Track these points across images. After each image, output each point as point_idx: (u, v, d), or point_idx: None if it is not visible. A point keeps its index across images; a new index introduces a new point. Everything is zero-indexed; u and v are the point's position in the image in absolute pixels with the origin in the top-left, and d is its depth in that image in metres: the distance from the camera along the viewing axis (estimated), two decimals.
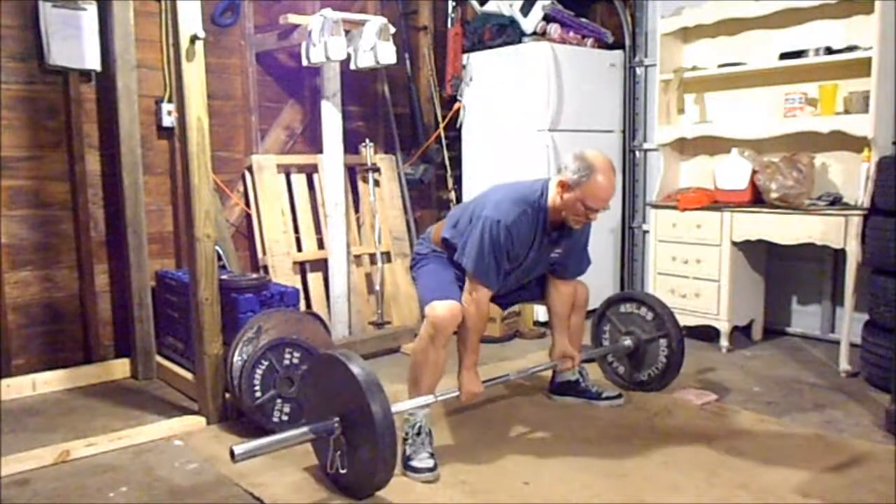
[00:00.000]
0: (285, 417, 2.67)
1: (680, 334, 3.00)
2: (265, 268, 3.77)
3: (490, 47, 4.35)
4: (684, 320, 3.81)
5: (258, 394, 2.63)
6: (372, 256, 4.10)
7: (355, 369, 2.09)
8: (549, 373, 3.07)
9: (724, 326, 3.69)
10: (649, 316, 3.04)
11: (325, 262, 3.90)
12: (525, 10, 4.15)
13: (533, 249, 2.54)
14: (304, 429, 2.15)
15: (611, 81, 4.49)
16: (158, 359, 3.41)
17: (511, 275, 2.58)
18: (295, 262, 3.87)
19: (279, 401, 2.67)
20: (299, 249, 3.94)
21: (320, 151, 3.86)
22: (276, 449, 2.16)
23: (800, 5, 3.51)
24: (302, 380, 2.50)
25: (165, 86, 3.55)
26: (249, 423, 2.70)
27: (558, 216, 2.51)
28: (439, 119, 4.52)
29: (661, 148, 4.12)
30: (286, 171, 3.98)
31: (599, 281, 4.39)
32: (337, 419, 2.13)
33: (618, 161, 4.57)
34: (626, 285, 4.65)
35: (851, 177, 3.46)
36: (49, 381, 3.22)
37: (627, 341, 3.05)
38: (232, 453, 2.02)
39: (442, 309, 2.41)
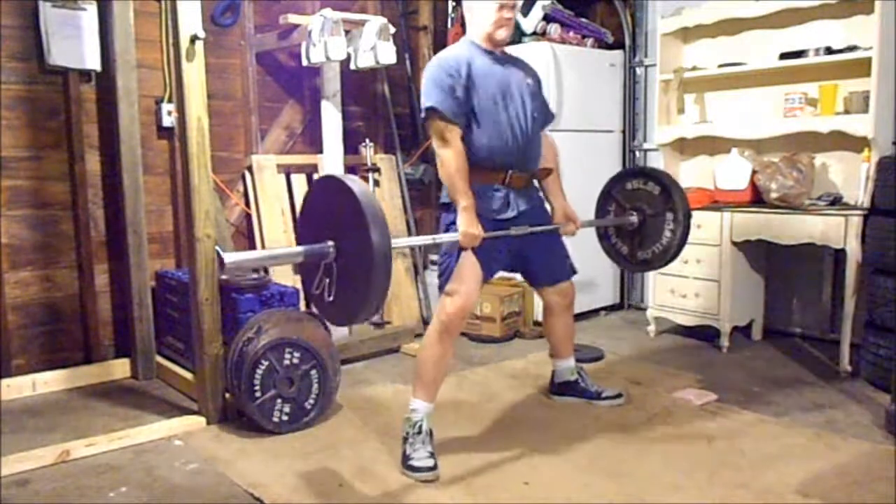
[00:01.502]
0: (285, 417, 2.68)
1: (687, 207, 2.84)
2: (265, 268, 3.76)
3: None
4: (684, 320, 3.83)
5: (258, 394, 2.63)
6: None
7: (357, 192, 1.95)
8: (549, 373, 3.07)
9: (724, 326, 3.69)
10: (656, 190, 2.88)
11: None
12: (525, 10, 4.14)
13: (498, 79, 2.51)
14: (298, 248, 2.06)
15: (611, 81, 4.49)
16: (158, 359, 3.41)
17: (507, 121, 2.50)
18: (295, 263, 3.86)
19: (279, 401, 2.67)
20: None
21: (320, 151, 3.86)
22: (267, 264, 2.09)
23: (800, 5, 3.51)
24: (302, 206, 2.32)
25: (165, 86, 3.55)
26: (249, 423, 2.70)
27: (490, 40, 2.54)
28: None
29: (661, 148, 4.13)
30: (286, 171, 3.98)
31: (600, 281, 4.41)
32: (331, 243, 2.02)
33: (618, 161, 4.58)
34: (626, 285, 4.66)
35: (851, 177, 3.46)
36: (49, 381, 3.22)
37: (633, 217, 2.90)
38: (222, 261, 1.95)
39: (454, 307, 2.43)
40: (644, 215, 2.89)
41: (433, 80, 2.43)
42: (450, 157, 2.41)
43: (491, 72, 2.51)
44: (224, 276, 3.01)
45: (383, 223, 1.91)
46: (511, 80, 2.56)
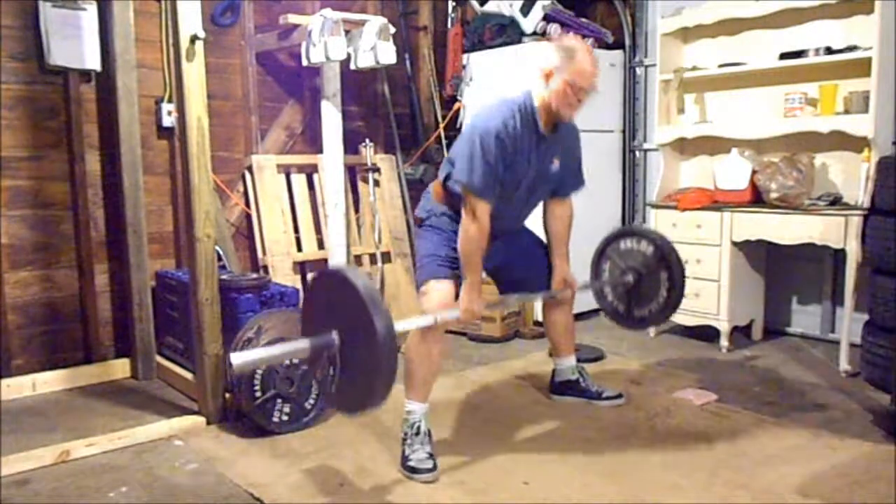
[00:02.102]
0: (285, 417, 2.67)
1: (681, 266, 2.88)
2: (265, 268, 3.77)
3: (490, 47, 4.35)
4: (684, 320, 3.82)
5: (258, 394, 2.63)
6: (372, 256, 4.10)
7: (358, 283, 1.98)
8: (549, 373, 3.07)
9: (724, 326, 3.69)
10: (650, 250, 2.91)
11: (325, 262, 3.90)
12: (525, 10, 4.15)
13: (532, 159, 2.48)
14: (303, 342, 2.06)
15: (611, 81, 4.49)
16: (158, 359, 3.41)
17: (515, 194, 2.52)
18: (295, 263, 3.87)
19: (279, 401, 2.67)
20: (299, 249, 3.94)
21: (320, 151, 3.86)
22: (274, 361, 2.09)
23: (800, 5, 3.51)
24: (304, 298, 2.37)
25: (165, 86, 3.55)
26: (249, 423, 2.69)
27: (549, 113, 2.46)
28: (439, 119, 4.53)
29: (661, 148, 4.12)
30: (286, 171, 3.98)
31: None
32: (336, 333, 2.04)
33: (618, 161, 4.58)
34: None
35: (851, 177, 3.46)
36: (49, 381, 3.22)
37: (628, 276, 2.93)
38: (229, 363, 1.95)
39: (433, 302, 2.41)
40: (639, 275, 2.93)
41: (479, 155, 2.35)
42: (475, 234, 2.40)
43: (528, 153, 2.47)
44: (224, 276, 3.01)
45: (386, 311, 1.95)
46: (544, 159, 2.54)
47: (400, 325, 2.18)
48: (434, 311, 2.38)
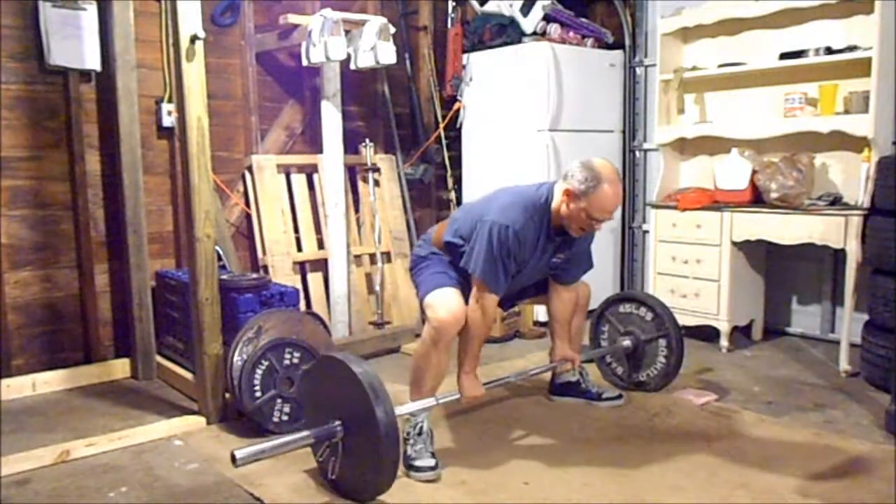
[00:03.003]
0: (285, 418, 2.67)
1: (679, 334, 3.00)
2: (265, 268, 3.77)
3: (490, 47, 4.35)
4: (684, 320, 3.81)
5: (258, 394, 2.63)
6: (372, 256, 4.10)
7: (358, 371, 2.07)
8: (549, 373, 3.07)
9: (724, 326, 3.69)
10: (648, 316, 3.04)
11: (325, 262, 3.90)
12: (525, 10, 4.15)
13: (537, 254, 2.52)
14: (306, 433, 2.13)
15: (611, 81, 4.49)
16: (158, 359, 3.41)
17: (514, 279, 2.55)
18: (295, 262, 3.87)
19: (279, 401, 2.67)
20: (299, 249, 3.94)
21: (320, 151, 3.86)
22: (278, 453, 2.15)
23: (800, 5, 3.51)
24: (302, 381, 2.48)
25: (165, 86, 3.55)
26: (249, 423, 2.69)
27: (561, 222, 2.49)
28: (439, 119, 4.52)
29: (661, 148, 4.12)
30: (286, 171, 3.98)
31: (599, 281, 4.38)
32: (339, 423, 2.12)
33: (618, 161, 4.58)
34: (626, 285, 4.65)
35: (851, 177, 3.46)
36: (49, 381, 3.22)
37: (626, 341, 3.05)
38: (233, 458, 2.00)
39: (444, 312, 2.40)
40: (637, 340, 3.03)
41: (497, 254, 2.37)
42: (479, 321, 2.43)
43: (535, 249, 2.50)
44: (224, 276, 3.01)
45: (387, 399, 2.01)
46: (549, 252, 2.56)
47: (401, 410, 2.26)
48: (447, 321, 2.39)
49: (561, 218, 2.46)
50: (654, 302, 3.09)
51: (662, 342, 3.00)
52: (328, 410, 2.17)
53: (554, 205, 2.47)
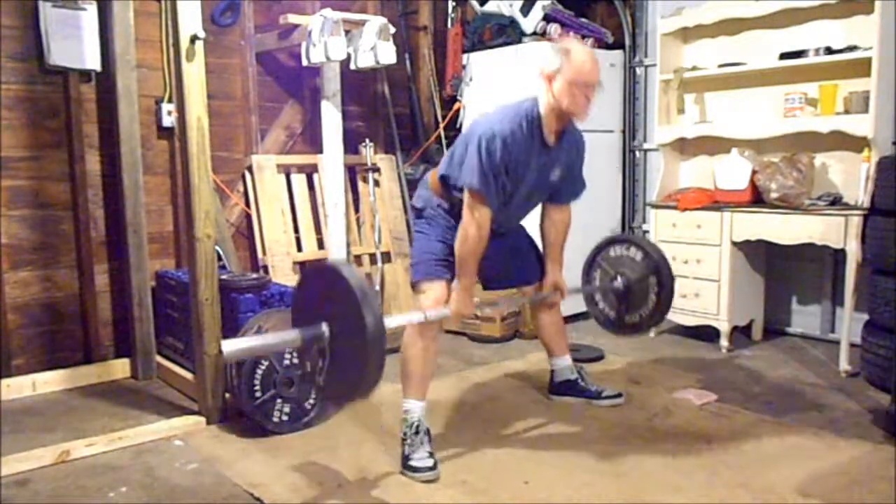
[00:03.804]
0: (285, 417, 2.68)
1: (669, 269, 2.90)
2: (265, 268, 3.77)
3: (490, 47, 4.35)
4: (684, 320, 3.82)
5: (258, 394, 2.63)
6: (372, 256, 4.11)
7: (348, 275, 1.99)
8: (548, 373, 3.07)
9: (724, 326, 3.69)
10: (639, 256, 2.94)
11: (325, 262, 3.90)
12: (525, 10, 4.15)
13: (532, 166, 2.48)
14: (294, 333, 2.08)
15: (611, 81, 4.48)
16: (158, 359, 3.41)
17: (512, 199, 2.51)
18: (295, 262, 3.87)
19: (279, 401, 2.67)
20: (299, 249, 3.94)
21: (320, 151, 3.86)
22: (265, 351, 2.12)
23: (800, 5, 3.51)
24: (294, 292, 2.38)
25: (165, 86, 3.55)
26: (249, 423, 2.69)
27: (558, 119, 2.45)
28: (439, 119, 4.53)
29: (661, 148, 4.12)
30: (286, 171, 3.98)
31: None
32: (326, 325, 2.05)
33: (618, 161, 4.58)
34: None
35: (851, 177, 3.46)
36: (49, 381, 3.22)
37: (618, 282, 2.96)
38: (221, 351, 1.96)
39: (430, 301, 2.41)
40: (629, 280, 2.95)
41: (486, 161, 2.34)
42: (474, 238, 2.39)
43: (530, 162, 2.46)
44: (224, 276, 3.02)
45: (377, 306, 1.96)
46: (546, 168, 2.53)
47: (390, 321, 2.17)
48: (432, 306, 2.39)
49: (554, 112, 2.43)
50: (644, 241, 3.02)
51: (653, 279, 2.89)
52: (317, 316, 2.09)
53: (542, 107, 2.44)
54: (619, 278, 2.96)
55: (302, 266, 3.92)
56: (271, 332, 2.13)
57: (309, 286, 2.22)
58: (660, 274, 2.88)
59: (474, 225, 2.38)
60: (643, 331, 3.00)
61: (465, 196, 2.40)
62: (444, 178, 2.53)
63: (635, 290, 2.95)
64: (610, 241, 3.07)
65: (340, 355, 2.04)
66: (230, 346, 2.01)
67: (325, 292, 2.08)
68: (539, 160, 2.49)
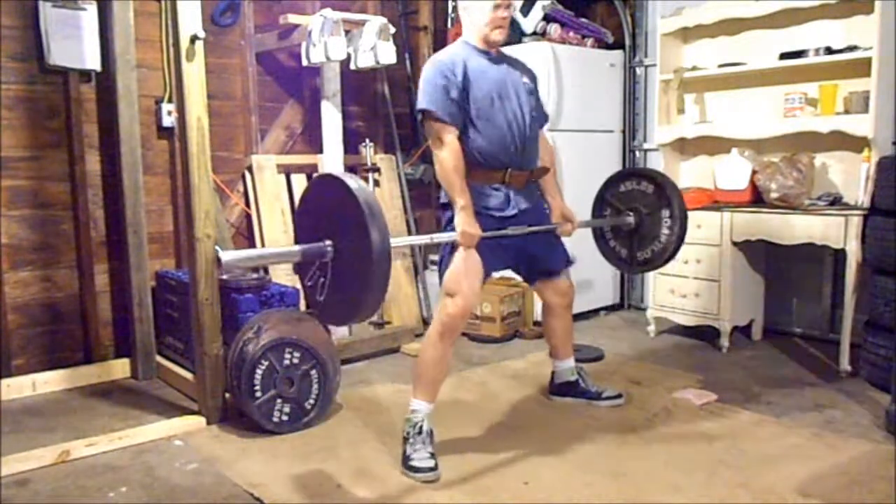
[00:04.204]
0: (285, 417, 2.68)
1: (682, 201, 2.84)
2: (265, 268, 3.77)
3: None
4: (684, 320, 3.83)
5: (258, 394, 2.63)
6: None
7: (354, 187, 1.93)
8: (548, 373, 3.07)
9: (724, 326, 3.69)
10: (650, 189, 2.87)
11: None
12: (525, 10, 4.15)
13: (495, 77, 2.52)
14: (296, 248, 2.03)
15: (611, 81, 4.49)
16: (158, 359, 3.41)
17: (502, 119, 2.50)
18: (295, 263, 3.86)
19: (279, 401, 2.67)
20: None
21: (320, 151, 3.86)
22: (265, 263, 2.07)
23: (800, 5, 3.51)
24: (297, 207, 2.31)
25: (165, 86, 3.55)
26: (249, 423, 2.70)
27: (485, 44, 2.54)
28: None
29: (661, 148, 4.12)
30: (286, 171, 3.98)
31: (600, 282, 4.41)
32: (330, 243, 2.00)
33: (618, 161, 4.58)
34: (626, 285, 4.66)
35: (851, 177, 3.46)
36: (49, 381, 3.22)
37: (629, 217, 2.89)
38: (219, 260, 1.93)
39: (455, 307, 2.41)
40: (640, 215, 2.88)
41: (428, 81, 2.44)
42: (447, 157, 2.41)
43: (486, 71, 2.51)
44: (224, 276, 3.02)
45: (383, 222, 1.89)
46: (507, 79, 2.57)
47: (396, 241, 2.10)
48: (459, 316, 2.41)
49: (482, 37, 2.53)
50: (655, 173, 2.94)
51: (665, 212, 2.83)
52: (321, 232, 2.04)
53: (467, 36, 2.57)
54: (629, 214, 2.90)
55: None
56: (271, 249, 2.03)
57: (314, 199, 2.15)
58: (672, 206, 2.81)
59: (444, 149, 2.42)
60: (655, 267, 2.94)
61: (428, 123, 2.45)
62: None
63: (647, 224, 2.88)
64: (619, 176, 3.01)
65: (343, 273, 1.97)
66: (229, 255, 1.97)
67: (330, 206, 2.02)
68: (498, 72, 2.55)
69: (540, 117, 2.75)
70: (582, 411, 2.90)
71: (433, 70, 2.45)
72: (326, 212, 2.04)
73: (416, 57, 4.53)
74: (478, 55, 2.54)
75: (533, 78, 2.73)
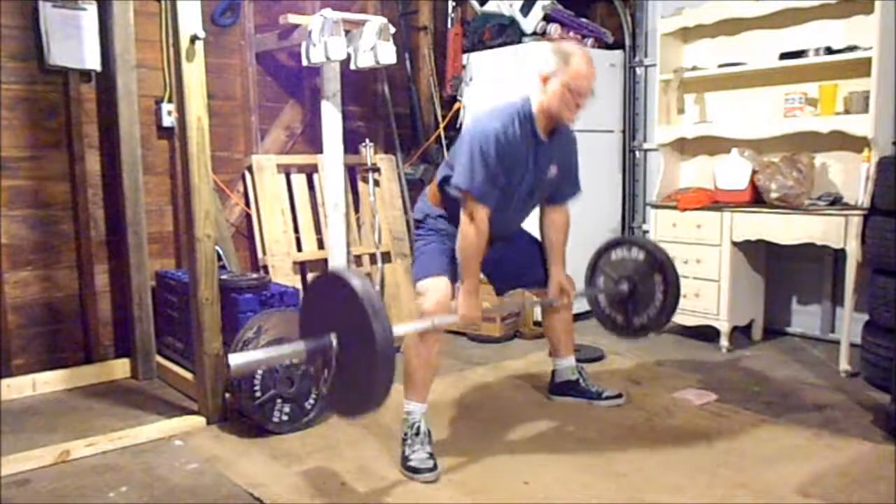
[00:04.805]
0: (285, 417, 2.67)
1: (673, 266, 2.86)
2: (265, 268, 3.77)
3: (490, 47, 4.35)
4: (684, 320, 3.82)
5: (258, 394, 2.63)
6: (372, 256, 4.10)
7: (357, 286, 1.97)
8: (548, 373, 3.07)
9: (724, 326, 3.69)
10: (641, 256, 2.90)
11: (325, 262, 3.90)
12: (525, 10, 4.15)
13: (530, 164, 2.48)
14: (300, 344, 2.07)
15: (611, 81, 4.49)
16: (158, 359, 3.41)
17: (513, 199, 2.51)
18: (295, 262, 3.87)
19: (279, 401, 2.67)
20: (299, 249, 3.94)
21: (320, 151, 3.86)
22: (272, 363, 2.09)
23: (800, 5, 3.51)
24: (301, 300, 2.38)
25: (165, 86, 3.55)
26: (249, 423, 2.70)
27: (548, 118, 2.46)
28: (439, 119, 4.52)
29: (661, 148, 4.12)
30: (286, 171, 3.98)
31: None
32: (333, 336, 2.03)
33: (618, 161, 4.58)
34: None
35: (851, 177, 3.46)
36: (49, 381, 3.22)
37: (623, 285, 2.92)
38: (228, 365, 1.95)
39: (430, 303, 2.40)
40: (633, 282, 2.92)
41: (475, 157, 2.34)
42: (473, 235, 2.40)
43: (526, 158, 2.47)
44: (224, 276, 3.01)
45: (384, 315, 1.94)
46: (542, 165, 2.53)
47: (398, 329, 2.18)
48: (432, 311, 2.38)
49: (546, 111, 2.44)
50: (645, 240, 2.99)
51: (658, 277, 2.85)
52: (324, 325, 2.07)
53: (534, 105, 2.46)
54: (622, 281, 2.93)
55: (302, 266, 3.92)
56: (278, 345, 2.08)
57: (316, 295, 2.21)
58: (664, 271, 2.83)
59: (473, 226, 2.39)
60: (652, 332, 2.98)
61: (462, 198, 2.40)
62: (442, 184, 2.54)
63: (640, 291, 2.91)
64: (609, 245, 3.04)
65: (348, 367, 2.02)
66: (237, 359, 1.98)
67: (332, 301, 2.07)
68: (534, 156, 2.49)
69: (567, 192, 2.72)
70: (582, 411, 2.90)
71: (485, 143, 2.35)
72: (329, 306, 2.09)
73: (416, 57, 4.53)
74: (529, 133, 2.45)
75: (572, 152, 2.68)
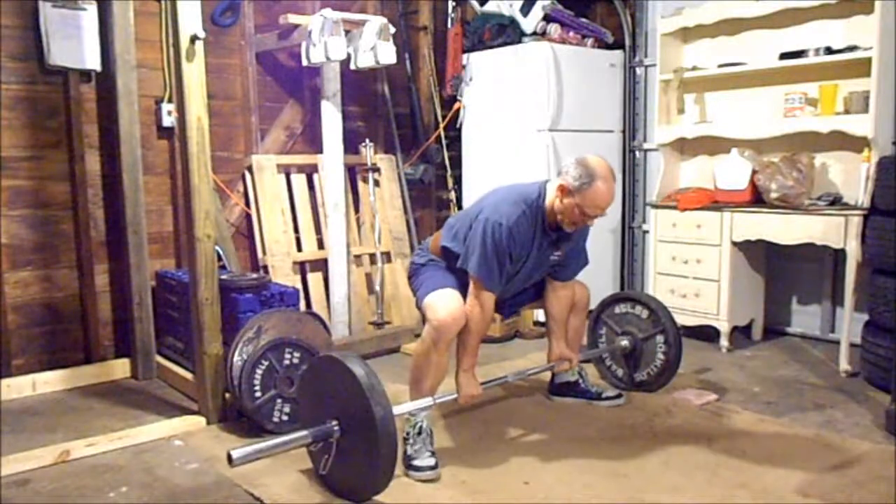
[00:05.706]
0: (285, 418, 2.67)
1: (676, 329, 2.99)
2: (265, 268, 3.77)
3: (490, 47, 4.35)
4: (684, 320, 3.82)
5: (258, 394, 2.63)
6: (372, 256, 4.10)
7: (356, 370, 2.07)
8: (548, 373, 3.06)
9: (724, 326, 3.69)
10: (644, 314, 3.03)
11: (325, 262, 3.90)
12: (525, 10, 4.15)
13: (533, 251, 2.54)
14: (304, 432, 2.13)
15: (611, 81, 4.49)
16: (158, 359, 3.41)
17: (514, 279, 2.57)
18: (295, 262, 3.87)
19: (279, 401, 2.67)
20: (299, 249, 3.94)
21: (320, 151, 3.86)
22: (274, 453, 2.14)
23: (800, 5, 3.51)
24: (300, 379, 2.48)
25: (165, 86, 3.55)
26: (249, 423, 2.69)
27: (555, 218, 2.51)
28: (439, 119, 4.52)
29: (661, 148, 4.12)
30: (286, 171, 3.98)
31: (599, 281, 4.39)
32: (336, 422, 2.12)
33: (618, 161, 4.58)
34: (626, 285, 4.65)
35: (851, 177, 3.46)
36: (49, 381, 3.22)
37: (624, 341, 3.04)
38: (230, 458, 1.99)
39: (444, 312, 2.40)
40: (635, 339, 3.03)
41: (488, 248, 2.40)
42: (478, 318, 2.45)
43: (532, 246, 2.52)
44: (224, 276, 3.01)
45: (385, 399, 2.02)
46: (546, 251, 2.57)
47: (399, 409, 2.26)
48: (446, 322, 2.40)
49: (555, 214, 2.48)
50: (649, 299, 3.09)
51: (660, 339, 2.99)
52: (325, 409, 2.16)
53: (548, 201, 2.49)
54: (625, 337, 3.04)
55: (302, 266, 3.92)
56: (280, 436, 2.15)
57: (316, 378, 2.26)
58: (666, 333, 2.96)
59: (478, 308, 2.44)
60: (653, 390, 3.05)
61: (471, 282, 2.45)
62: (446, 248, 2.58)
63: (642, 348, 3.03)
64: (614, 299, 3.14)
65: (351, 450, 2.08)
66: (239, 453, 2.01)
67: (333, 385, 2.14)
68: (541, 245, 2.55)
69: (572, 270, 2.75)
70: (582, 411, 2.90)
71: (500, 237, 2.40)
72: (330, 390, 2.16)
73: (416, 57, 4.53)
74: (539, 226, 2.51)
75: (581, 235, 2.69)
